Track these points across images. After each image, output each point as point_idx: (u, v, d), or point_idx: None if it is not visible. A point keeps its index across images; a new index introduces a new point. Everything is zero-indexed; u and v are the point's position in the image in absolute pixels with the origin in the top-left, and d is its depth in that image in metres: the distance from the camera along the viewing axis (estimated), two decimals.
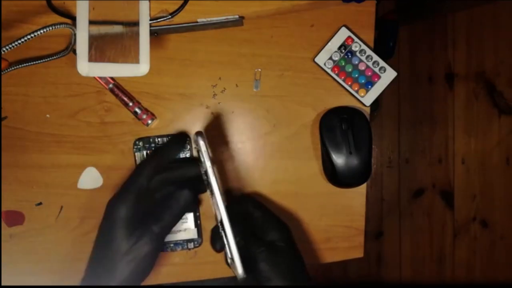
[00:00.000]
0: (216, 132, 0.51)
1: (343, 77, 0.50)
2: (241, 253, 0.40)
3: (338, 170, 0.49)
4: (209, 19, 0.46)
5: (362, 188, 0.52)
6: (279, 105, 0.51)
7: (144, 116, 0.49)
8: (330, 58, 0.50)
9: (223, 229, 0.41)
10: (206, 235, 0.50)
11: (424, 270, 1.43)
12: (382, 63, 0.50)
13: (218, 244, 0.45)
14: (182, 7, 0.44)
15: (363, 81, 0.51)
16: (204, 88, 0.50)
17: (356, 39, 0.50)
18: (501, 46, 1.37)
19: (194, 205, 0.50)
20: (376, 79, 0.51)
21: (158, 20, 0.44)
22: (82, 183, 0.50)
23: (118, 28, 0.42)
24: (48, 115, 0.49)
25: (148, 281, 0.50)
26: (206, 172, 0.41)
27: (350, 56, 0.50)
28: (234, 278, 0.41)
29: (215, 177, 0.40)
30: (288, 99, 0.51)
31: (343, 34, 0.50)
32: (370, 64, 0.50)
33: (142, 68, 0.43)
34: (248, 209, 0.46)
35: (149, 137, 0.50)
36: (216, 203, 0.40)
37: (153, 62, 0.43)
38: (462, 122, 1.39)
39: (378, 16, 0.54)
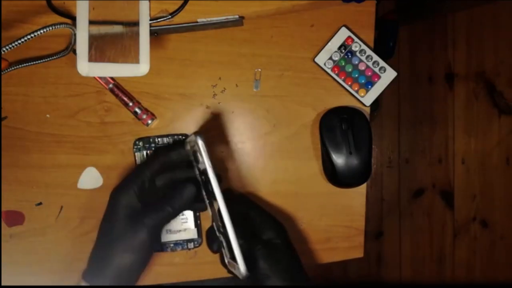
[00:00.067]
0: (216, 132, 0.51)
1: (343, 77, 0.50)
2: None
3: (338, 170, 0.49)
4: (209, 19, 0.46)
5: (362, 188, 0.52)
6: (279, 105, 0.51)
7: (144, 116, 0.49)
8: (330, 58, 0.50)
9: (223, 229, 0.40)
10: None
11: (424, 270, 1.43)
12: (382, 63, 0.50)
13: (215, 245, 0.45)
14: (182, 7, 0.44)
15: (363, 81, 0.51)
16: (204, 88, 0.50)
17: (356, 39, 0.50)
18: (501, 46, 1.37)
19: (198, 205, 0.49)
20: (376, 79, 0.51)
21: (158, 20, 0.44)
22: (82, 183, 0.50)
23: (118, 28, 0.42)
24: (48, 115, 0.49)
25: (148, 281, 0.51)
26: (203, 172, 0.41)
27: (350, 56, 0.50)
28: (234, 278, 0.41)
29: (215, 178, 0.40)
30: (288, 99, 0.51)
31: (343, 34, 0.50)
32: (370, 64, 0.50)
33: (142, 68, 0.43)
34: (244, 209, 0.46)
35: (149, 137, 0.50)
36: (217, 203, 0.40)
37: (153, 62, 0.43)
38: (462, 122, 1.38)
39: (378, 16, 0.54)
